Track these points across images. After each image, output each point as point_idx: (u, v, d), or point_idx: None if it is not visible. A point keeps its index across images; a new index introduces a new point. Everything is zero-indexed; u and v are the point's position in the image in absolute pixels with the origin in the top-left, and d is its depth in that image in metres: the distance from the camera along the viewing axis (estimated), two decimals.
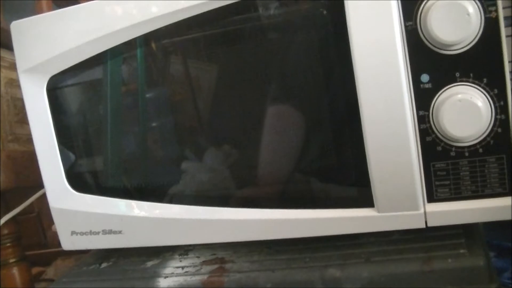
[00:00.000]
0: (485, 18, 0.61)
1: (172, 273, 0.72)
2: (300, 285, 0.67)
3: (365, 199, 0.67)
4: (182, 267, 0.73)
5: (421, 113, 0.64)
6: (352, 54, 0.63)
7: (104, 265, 0.78)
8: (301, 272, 0.68)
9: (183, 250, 0.78)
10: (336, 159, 0.70)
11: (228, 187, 0.75)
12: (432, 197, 0.66)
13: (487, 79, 0.62)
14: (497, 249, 1.26)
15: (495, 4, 0.61)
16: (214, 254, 0.75)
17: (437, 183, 0.65)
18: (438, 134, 0.64)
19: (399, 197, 0.65)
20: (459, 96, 0.62)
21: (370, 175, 0.65)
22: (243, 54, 0.71)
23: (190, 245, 0.79)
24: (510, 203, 0.64)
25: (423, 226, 0.66)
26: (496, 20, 0.61)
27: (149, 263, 0.76)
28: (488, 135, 0.63)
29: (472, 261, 0.64)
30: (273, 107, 0.72)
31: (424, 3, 0.62)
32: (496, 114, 0.63)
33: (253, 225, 0.73)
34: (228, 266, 0.72)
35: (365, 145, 0.65)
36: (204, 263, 0.73)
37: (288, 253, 0.71)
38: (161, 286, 0.71)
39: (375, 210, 0.67)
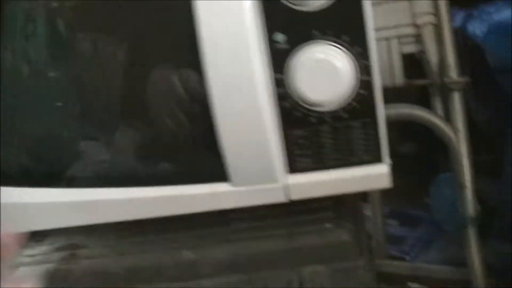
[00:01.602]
0: None
1: (21, 262, 0.64)
2: (153, 269, 0.59)
3: (220, 173, 0.59)
4: (33, 255, 0.64)
5: (277, 76, 0.56)
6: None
7: None
8: (153, 256, 0.60)
9: (41, 235, 0.69)
10: (189, 132, 0.61)
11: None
12: (294, 168, 0.58)
13: (349, 37, 0.55)
14: (401, 218, 1.22)
15: None
16: (69, 239, 0.66)
17: (297, 152, 0.58)
18: (297, 99, 0.56)
19: (255, 169, 0.58)
20: (316, 55, 0.54)
21: (221, 146, 0.57)
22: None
23: (48, 230, 0.70)
24: (376, 171, 0.57)
25: (285, 199, 0.59)
26: None
27: None
28: (351, 98, 0.56)
29: (338, 236, 0.58)
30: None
31: None
32: (359, 75, 0.55)
33: (109, 205, 0.64)
34: (80, 252, 0.64)
35: (214, 113, 0.56)
36: (57, 249, 0.65)
37: (143, 236, 0.63)
38: None
39: (231, 185, 0.59)
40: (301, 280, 0.59)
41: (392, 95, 0.93)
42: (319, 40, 0.56)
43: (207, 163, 0.62)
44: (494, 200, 1.03)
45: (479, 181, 0.93)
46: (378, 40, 0.91)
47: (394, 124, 1.32)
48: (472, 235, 0.92)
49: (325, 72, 0.55)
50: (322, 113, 0.57)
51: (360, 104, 0.57)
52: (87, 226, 0.68)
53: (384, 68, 0.91)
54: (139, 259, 0.62)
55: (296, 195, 0.60)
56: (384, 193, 1.12)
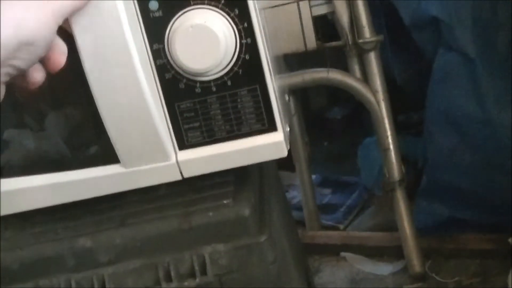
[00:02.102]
0: None
1: None
2: (51, 261, 0.56)
3: (109, 155, 0.55)
4: None
5: (155, 46, 0.52)
6: None
7: None
8: (50, 246, 0.57)
9: None
10: (82, 114, 0.58)
11: None
12: (183, 144, 0.55)
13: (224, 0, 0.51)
14: (334, 185, 1.20)
15: None
16: None
17: (185, 126, 0.55)
18: (178, 69, 0.53)
19: (144, 148, 0.55)
20: (191, 22, 0.50)
21: (106, 127, 0.53)
22: None
23: None
24: (271, 140, 0.54)
25: (179, 177, 0.55)
26: None
27: None
28: (234, 64, 0.53)
29: (236, 212, 0.55)
30: None
31: None
32: (240, 38, 0.52)
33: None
34: None
35: (92, 91, 0.52)
36: None
37: (40, 226, 0.60)
38: None
39: (122, 166, 0.55)
40: (202, 260, 0.56)
41: (307, 59, 0.90)
42: (196, 6, 0.52)
43: (99, 146, 0.58)
44: (419, 159, 1.02)
45: (403, 141, 0.91)
46: (288, 4, 0.88)
47: (321, 89, 1.30)
48: (400, 197, 0.91)
49: (202, 38, 0.52)
50: (207, 82, 0.54)
51: (243, 69, 0.54)
52: None
53: (296, 33, 0.89)
54: (37, 251, 0.58)
55: (188, 173, 0.57)
56: (314, 160, 1.10)
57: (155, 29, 0.53)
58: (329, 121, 1.26)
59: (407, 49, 0.98)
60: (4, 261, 0.59)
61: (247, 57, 0.54)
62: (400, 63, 1.01)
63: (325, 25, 0.91)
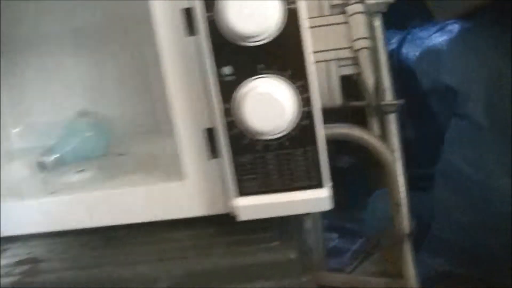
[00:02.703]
0: (287, 9, 0.58)
1: None
2: (112, 284, 0.63)
3: None
4: None
5: (226, 106, 0.61)
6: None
7: None
8: (113, 270, 0.64)
9: (1, 249, 0.72)
10: None
11: None
12: (242, 191, 0.63)
13: (291, 71, 0.60)
14: (340, 231, 1.28)
15: None
16: (30, 253, 0.70)
17: (245, 177, 0.62)
18: (243, 128, 0.61)
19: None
20: (259, 89, 0.59)
21: None
22: None
23: (8, 244, 0.73)
24: (317, 195, 0.62)
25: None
26: (295, 11, 0.59)
27: None
28: (293, 129, 0.62)
29: (284, 254, 0.63)
30: None
31: None
32: (301, 106, 0.60)
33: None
34: (41, 266, 0.68)
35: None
36: (17, 263, 0.68)
37: (102, 250, 0.67)
38: None
39: None
40: None
41: (329, 113, 0.98)
42: (264, 74, 0.61)
43: None
44: (425, 215, 1.10)
45: (411, 196, 0.99)
46: (318, 62, 0.97)
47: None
48: (407, 249, 0.97)
49: (268, 104, 0.60)
50: (268, 141, 0.62)
51: (301, 133, 0.62)
52: (48, 240, 0.72)
53: (323, 89, 0.97)
54: (99, 273, 0.65)
55: (244, 216, 0.65)
56: None
57: (226, 91, 0.62)
58: (336, 169, 1.32)
59: (421, 111, 1.07)
60: (70, 279, 0.66)
61: (304, 123, 0.62)
62: (413, 125, 1.10)
63: (345, 84, 0.99)
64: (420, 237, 1.06)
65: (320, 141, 0.64)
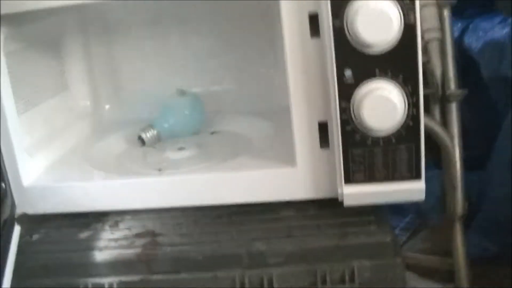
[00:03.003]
0: (405, 24, 0.65)
1: (106, 246, 0.76)
2: (228, 258, 0.72)
3: None
4: (115, 240, 0.77)
5: (343, 104, 0.68)
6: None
7: (35, 236, 0.79)
8: (229, 245, 0.73)
9: (113, 221, 0.82)
10: None
11: None
12: (349, 180, 0.71)
13: (403, 77, 0.67)
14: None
15: (413, 10, 0.65)
16: (144, 227, 0.78)
17: (354, 168, 0.70)
18: (357, 125, 0.69)
19: None
20: (378, 92, 0.67)
21: None
22: None
23: (119, 216, 0.81)
24: (415, 186, 0.71)
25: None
26: (414, 26, 0.66)
27: (82, 235, 0.78)
28: (401, 127, 0.69)
29: (381, 237, 0.73)
30: None
31: (350, 3, 0.65)
32: (409, 108, 0.68)
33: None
34: (159, 239, 0.76)
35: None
36: (137, 236, 0.76)
37: (215, 227, 0.76)
38: (97, 259, 0.74)
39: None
40: (351, 272, 0.72)
41: None
42: (380, 78, 0.68)
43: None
44: (475, 195, 1.18)
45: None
46: None
47: None
48: (458, 230, 1.05)
49: (384, 106, 0.68)
50: (377, 137, 0.70)
51: (407, 132, 0.70)
52: (158, 214, 0.81)
53: None
54: (217, 248, 0.74)
55: (350, 202, 0.73)
56: None
57: (345, 91, 0.69)
58: None
59: (479, 100, 1.15)
60: (189, 253, 0.74)
61: (410, 123, 0.70)
62: (471, 112, 1.17)
63: None
64: (469, 217, 1.15)
65: (421, 139, 0.71)
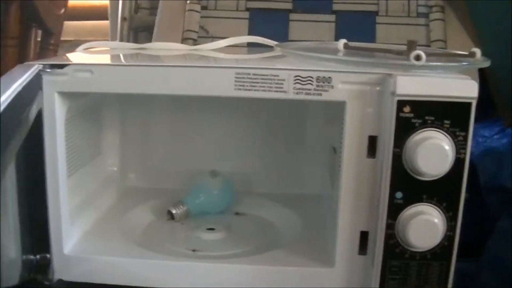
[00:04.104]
0: (456, 157, 0.75)
1: None
2: None
3: None
4: None
5: (389, 221, 0.77)
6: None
7: None
8: None
9: None
10: None
11: None
12: (383, 286, 0.80)
13: (446, 203, 0.78)
14: None
15: (465, 148, 0.76)
16: None
17: (389, 276, 0.80)
18: (400, 240, 0.79)
19: None
20: (424, 216, 0.77)
21: None
22: None
23: None
24: None
25: None
26: (463, 160, 0.76)
27: None
28: (437, 246, 0.79)
29: None
30: None
31: (412, 136, 0.75)
32: (447, 231, 0.78)
33: None
34: None
35: None
36: None
37: None
38: None
39: None
40: None
41: None
42: (426, 203, 0.78)
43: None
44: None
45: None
46: None
47: None
48: None
49: (428, 229, 0.78)
50: (415, 252, 0.80)
51: (441, 250, 0.80)
52: None
53: None
54: None
55: None
56: None
57: (394, 210, 0.79)
58: None
59: (473, 204, 1.26)
60: None
61: (446, 243, 0.80)
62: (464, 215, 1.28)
63: None
64: None
65: (453, 258, 0.82)
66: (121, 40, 1.60)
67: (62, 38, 1.65)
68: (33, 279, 0.79)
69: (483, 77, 1.22)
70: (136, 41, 1.66)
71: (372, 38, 1.30)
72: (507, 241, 1.14)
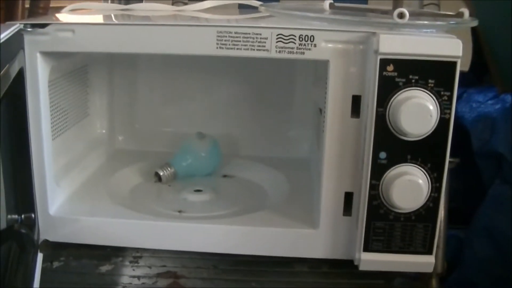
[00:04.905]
0: (440, 118, 0.76)
1: (130, 283, 0.83)
2: None
3: None
4: (138, 277, 0.84)
5: (373, 182, 0.78)
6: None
7: (55, 264, 0.86)
8: None
9: (132, 257, 0.88)
10: None
11: None
12: (367, 248, 0.81)
13: (431, 164, 0.79)
14: None
15: (450, 108, 0.76)
16: (165, 266, 0.86)
17: (374, 238, 0.81)
18: (384, 201, 0.79)
19: None
20: (408, 176, 0.77)
21: None
22: None
23: (138, 253, 0.88)
24: (426, 260, 0.82)
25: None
26: (448, 120, 0.77)
27: (102, 268, 0.85)
28: (421, 207, 0.80)
29: None
30: None
31: (396, 95, 0.75)
32: (431, 192, 0.79)
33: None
34: (182, 281, 0.83)
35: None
36: (159, 276, 0.84)
37: (234, 274, 0.85)
38: None
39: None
40: None
41: None
42: (410, 164, 0.79)
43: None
44: (453, 254, 1.31)
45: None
46: None
47: None
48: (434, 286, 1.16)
49: (412, 189, 0.79)
50: (399, 213, 0.81)
51: (426, 212, 0.81)
52: (178, 255, 0.88)
53: None
54: None
55: (365, 267, 0.84)
56: None
57: (378, 171, 0.80)
58: None
59: (466, 170, 1.26)
60: None
61: (430, 204, 0.81)
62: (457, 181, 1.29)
63: None
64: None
65: (438, 220, 0.83)
66: (113, 2, 1.60)
67: (55, 4, 1.64)
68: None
69: (478, 44, 1.23)
70: (128, 3, 1.65)
71: (365, 1, 1.29)
72: (500, 207, 1.16)
